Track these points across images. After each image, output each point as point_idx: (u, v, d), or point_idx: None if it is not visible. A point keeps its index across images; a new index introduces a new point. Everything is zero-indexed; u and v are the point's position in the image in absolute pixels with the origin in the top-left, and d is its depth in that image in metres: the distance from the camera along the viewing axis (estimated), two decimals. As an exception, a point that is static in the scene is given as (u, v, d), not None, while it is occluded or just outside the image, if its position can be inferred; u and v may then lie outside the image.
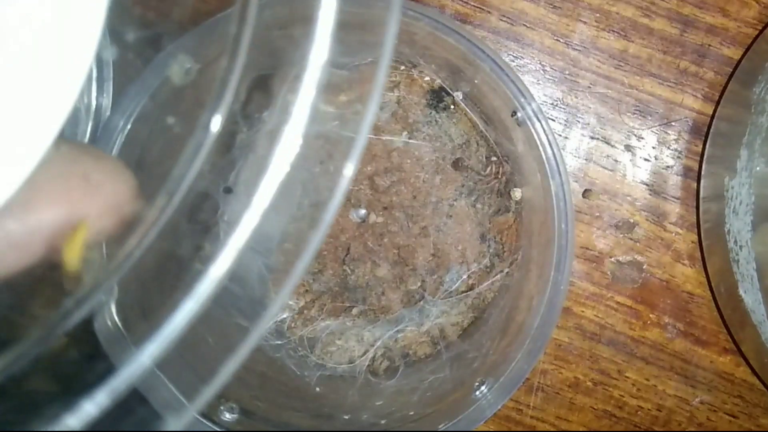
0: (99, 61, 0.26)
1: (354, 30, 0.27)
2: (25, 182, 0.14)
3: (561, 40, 0.35)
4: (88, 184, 0.16)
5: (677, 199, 0.35)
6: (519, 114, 0.25)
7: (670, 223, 0.35)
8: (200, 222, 0.31)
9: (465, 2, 0.35)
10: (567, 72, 0.35)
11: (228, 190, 0.31)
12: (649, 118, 0.35)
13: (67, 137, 0.26)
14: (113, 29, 0.26)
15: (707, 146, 0.35)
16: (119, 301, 0.24)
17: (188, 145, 0.16)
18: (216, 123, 0.15)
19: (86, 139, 0.26)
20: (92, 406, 0.13)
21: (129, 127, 0.24)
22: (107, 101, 0.27)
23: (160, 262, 0.28)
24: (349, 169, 0.13)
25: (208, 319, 0.29)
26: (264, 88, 0.31)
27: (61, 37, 0.14)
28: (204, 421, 0.24)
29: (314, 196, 0.32)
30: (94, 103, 0.26)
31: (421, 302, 0.32)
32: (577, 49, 0.35)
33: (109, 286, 0.17)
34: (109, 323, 0.24)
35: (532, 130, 0.25)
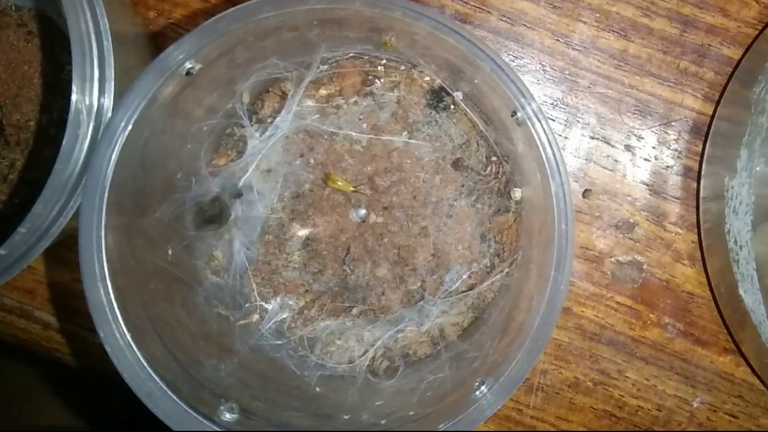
0: (101, 62, 0.26)
1: (334, 25, 0.27)
2: None
3: (561, 40, 0.35)
4: None
5: (677, 199, 0.35)
6: (519, 114, 0.25)
7: (670, 223, 0.35)
8: (211, 228, 0.31)
9: (465, 2, 0.35)
10: (567, 72, 0.35)
11: (238, 195, 0.31)
12: (649, 118, 0.35)
13: (69, 138, 0.26)
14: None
15: (707, 146, 0.35)
16: (125, 312, 0.23)
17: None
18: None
19: (87, 141, 0.26)
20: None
21: (130, 127, 0.24)
22: (109, 102, 0.27)
23: (169, 271, 0.28)
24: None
25: (190, 305, 0.29)
26: (275, 91, 0.31)
27: None
28: (204, 421, 0.24)
29: (294, 188, 0.32)
30: (95, 104, 0.26)
31: (421, 302, 0.31)
32: (577, 49, 0.35)
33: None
34: (118, 335, 0.23)
35: (532, 130, 0.25)
